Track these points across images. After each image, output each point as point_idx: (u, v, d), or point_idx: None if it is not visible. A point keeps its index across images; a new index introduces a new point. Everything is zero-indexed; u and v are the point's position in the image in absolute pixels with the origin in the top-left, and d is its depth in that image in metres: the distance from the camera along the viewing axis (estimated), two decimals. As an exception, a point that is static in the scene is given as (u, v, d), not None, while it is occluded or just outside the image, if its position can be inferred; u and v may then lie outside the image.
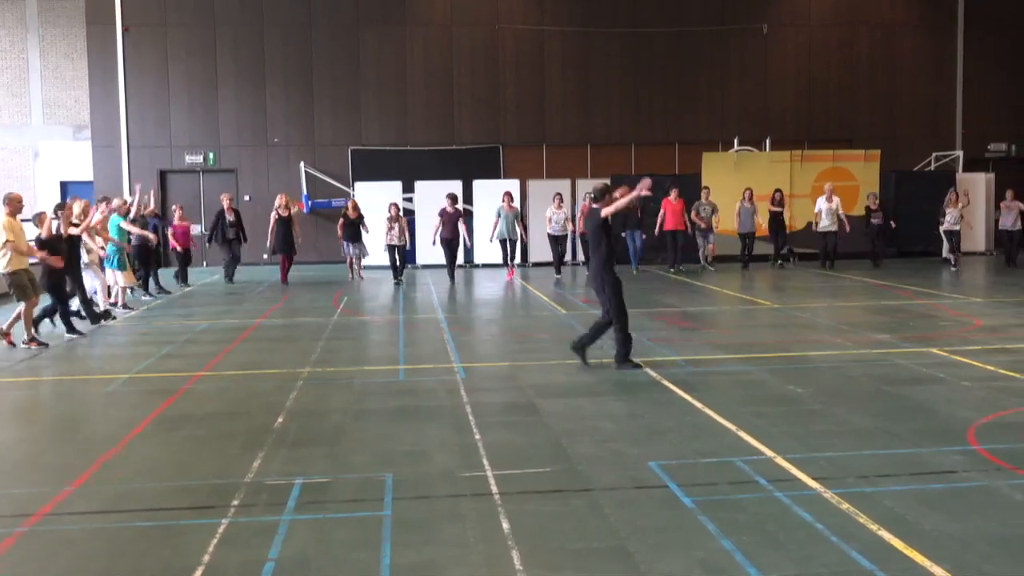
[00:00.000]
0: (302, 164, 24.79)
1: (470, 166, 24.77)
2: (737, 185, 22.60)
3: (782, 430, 7.20)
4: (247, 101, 24.87)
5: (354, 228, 20.21)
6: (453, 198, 20.09)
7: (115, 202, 16.42)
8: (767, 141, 24.72)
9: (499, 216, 19.99)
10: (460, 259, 20.81)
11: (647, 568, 4.69)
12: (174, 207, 20.59)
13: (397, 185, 23.22)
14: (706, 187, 21.95)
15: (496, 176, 24.88)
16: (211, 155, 24.91)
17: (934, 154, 26.45)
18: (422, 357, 10.67)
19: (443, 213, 19.90)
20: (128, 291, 16.10)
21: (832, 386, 8.81)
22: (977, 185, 24.35)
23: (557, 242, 20.61)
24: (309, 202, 24.48)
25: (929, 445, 6.78)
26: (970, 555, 4.78)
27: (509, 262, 20.32)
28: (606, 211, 9.64)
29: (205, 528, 5.32)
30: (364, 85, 25.18)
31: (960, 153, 26.36)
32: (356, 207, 20.48)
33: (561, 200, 20.59)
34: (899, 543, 4.92)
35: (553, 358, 10.49)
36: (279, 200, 20.11)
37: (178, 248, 19.71)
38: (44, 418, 8.36)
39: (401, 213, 20.29)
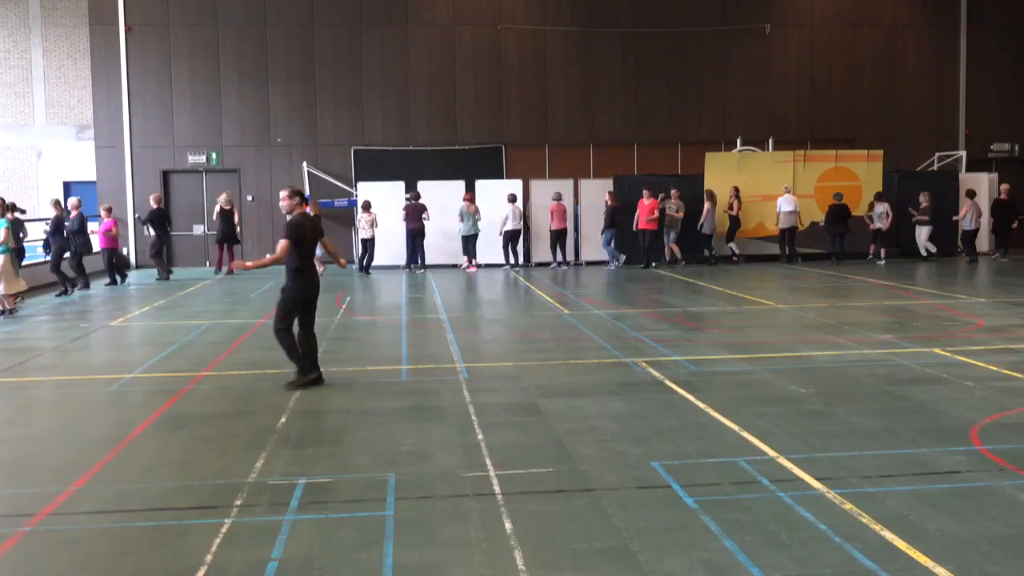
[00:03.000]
0: (305, 164, 24.79)
1: (473, 166, 24.78)
2: (739, 185, 22.83)
3: (785, 430, 7.20)
4: (250, 101, 24.88)
5: None
6: (416, 195, 22.22)
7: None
8: (770, 141, 24.71)
9: (461, 216, 22.22)
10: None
11: (650, 568, 4.68)
12: (101, 207, 20.97)
13: (400, 185, 23.21)
14: (674, 188, 22.63)
15: (499, 176, 24.88)
16: (214, 155, 24.91)
17: (937, 154, 26.44)
18: (425, 357, 10.67)
19: (408, 207, 21.98)
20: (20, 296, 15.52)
21: (835, 386, 8.81)
22: (980, 185, 24.32)
23: (510, 238, 22.53)
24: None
25: (932, 445, 6.78)
26: (973, 555, 4.78)
27: (471, 258, 22.56)
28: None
29: (208, 528, 5.33)
30: (367, 85, 25.19)
31: (963, 153, 26.33)
32: (317, 205, 21.95)
33: (514, 198, 22.42)
34: (902, 543, 4.92)
35: (556, 358, 10.49)
36: (224, 196, 22.27)
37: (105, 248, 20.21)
38: (47, 418, 8.37)
39: (372, 209, 22.06)
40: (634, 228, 22.23)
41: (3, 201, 15.47)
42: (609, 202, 22.39)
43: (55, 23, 26.49)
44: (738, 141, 24.85)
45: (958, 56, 27.05)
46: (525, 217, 23.29)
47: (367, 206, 22.01)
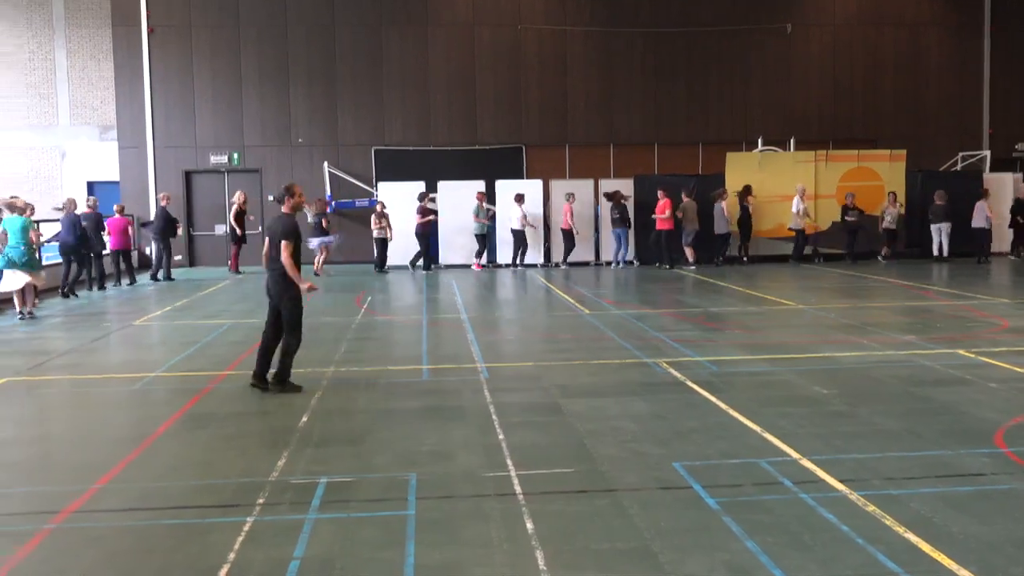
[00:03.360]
0: (326, 164, 24.88)
1: (493, 166, 24.80)
2: (759, 186, 22.76)
3: (807, 431, 7.16)
4: (271, 101, 25.00)
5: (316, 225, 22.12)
6: (421, 196, 22.27)
7: (18, 202, 15.26)
8: (791, 141, 24.59)
9: (476, 214, 22.31)
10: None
11: (671, 569, 4.68)
12: (115, 205, 20.78)
13: (420, 185, 23.25)
14: (686, 189, 22.55)
15: (519, 176, 24.88)
16: (235, 155, 25.04)
17: (960, 154, 26.23)
18: (446, 357, 10.69)
19: (420, 209, 22.11)
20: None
21: (858, 387, 8.76)
22: (1004, 185, 24.13)
23: (515, 236, 22.48)
24: (333, 202, 24.56)
25: (956, 447, 6.73)
26: (997, 558, 4.74)
27: (480, 256, 22.61)
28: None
29: (231, 526, 5.36)
30: (387, 85, 25.25)
31: (987, 153, 26.13)
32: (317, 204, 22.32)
33: (522, 199, 22.33)
34: (926, 545, 4.89)
35: (576, 358, 10.48)
36: (238, 196, 22.50)
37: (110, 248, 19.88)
38: (71, 416, 8.43)
39: (386, 209, 22.43)
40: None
41: (24, 203, 15.50)
42: (615, 200, 22.51)
43: (79, 24, 26.67)
44: (759, 141, 24.75)
45: (981, 54, 26.84)
46: (545, 216, 23.29)
47: (382, 212, 22.35)
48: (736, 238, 22.77)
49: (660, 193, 22.21)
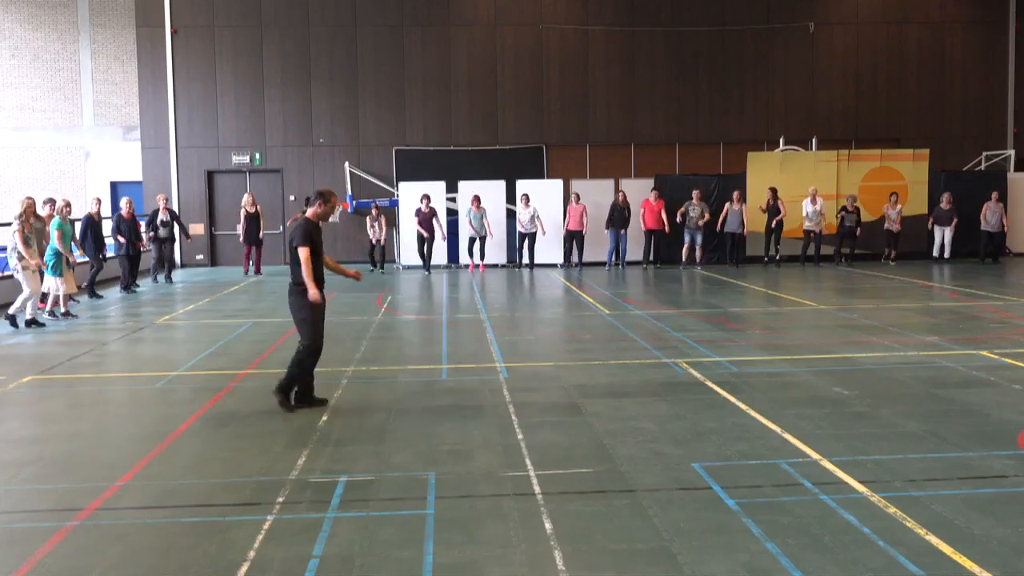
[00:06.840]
0: (347, 164, 24.96)
1: (514, 166, 24.83)
2: (781, 185, 22.61)
3: (828, 432, 7.13)
4: (293, 102, 25.10)
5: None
6: (427, 199, 22.40)
7: (58, 203, 15.25)
8: (813, 140, 24.48)
9: (469, 216, 22.46)
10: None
11: (690, 570, 4.66)
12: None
13: (441, 185, 23.32)
14: (696, 190, 22.45)
15: (540, 176, 24.90)
16: (257, 155, 25.16)
17: (984, 153, 26.03)
18: (465, 356, 10.70)
19: (419, 212, 22.30)
20: (70, 298, 15.20)
21: (879, 388, 8.71)
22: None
23: (525, 239, 22.83)
24: (354, 202, 24.65)
25: (978, 449, 6.68)
26: (1021, 561, 4.70)
27: (479, 258, 22.74)
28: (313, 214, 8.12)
29: (251, 524, 5.38)
30: (408, 85, 25.30)
31: (1011, 152, 25.91)
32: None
33: (528, 200, 22.52)
34: (947, 548, 4.86)
35: (596, 358, 10.47)
36: (246, 198, 22.56)
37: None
38: (94, 414, 8.49)
39: (381, 212, 23.03)
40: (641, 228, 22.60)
41: (53, 201, 15.56)
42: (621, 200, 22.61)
43: (103, 26, 26.89)
44: (781, 140, 24.65)
45: (1007, 53, 26.60)
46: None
47: (377, 215, 22.79)
48: (755, 235, 22.60)
49: (654, 195, 22.39)
